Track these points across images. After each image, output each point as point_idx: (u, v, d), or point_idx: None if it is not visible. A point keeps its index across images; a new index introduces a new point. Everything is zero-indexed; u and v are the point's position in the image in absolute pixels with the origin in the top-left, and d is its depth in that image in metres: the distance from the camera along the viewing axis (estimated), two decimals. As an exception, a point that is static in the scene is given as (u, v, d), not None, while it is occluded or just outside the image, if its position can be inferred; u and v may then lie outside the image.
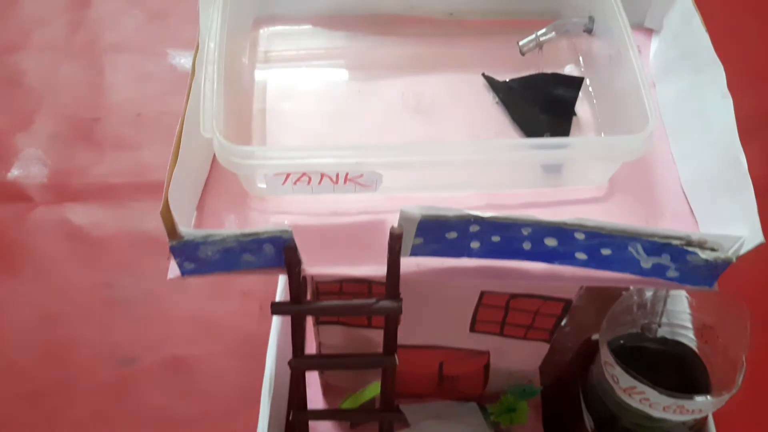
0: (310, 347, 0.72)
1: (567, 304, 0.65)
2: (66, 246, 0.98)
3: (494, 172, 0.59)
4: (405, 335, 0.69)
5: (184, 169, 0.53)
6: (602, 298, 0.78)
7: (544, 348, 0.73)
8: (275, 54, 0.68)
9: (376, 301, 0.54)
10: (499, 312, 0.67)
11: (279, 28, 0.69)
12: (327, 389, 0.85)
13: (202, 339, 0.91)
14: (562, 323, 0.68)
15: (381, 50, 0.68)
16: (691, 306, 0.73)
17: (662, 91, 0.64)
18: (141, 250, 0.98)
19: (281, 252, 0.53)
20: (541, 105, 0.64)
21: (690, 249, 0.51)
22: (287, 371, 0.66)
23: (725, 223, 0.53)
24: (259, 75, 0.66)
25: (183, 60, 1.16)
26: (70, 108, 1.08)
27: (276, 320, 0.80)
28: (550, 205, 0.59)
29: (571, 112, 0.63)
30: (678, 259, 0.52)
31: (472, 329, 0.70)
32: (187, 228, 0.50)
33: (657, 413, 0.67)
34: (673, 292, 0.75)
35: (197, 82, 0.56)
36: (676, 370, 0.75)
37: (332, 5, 0.70)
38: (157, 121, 1.08)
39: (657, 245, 0.51)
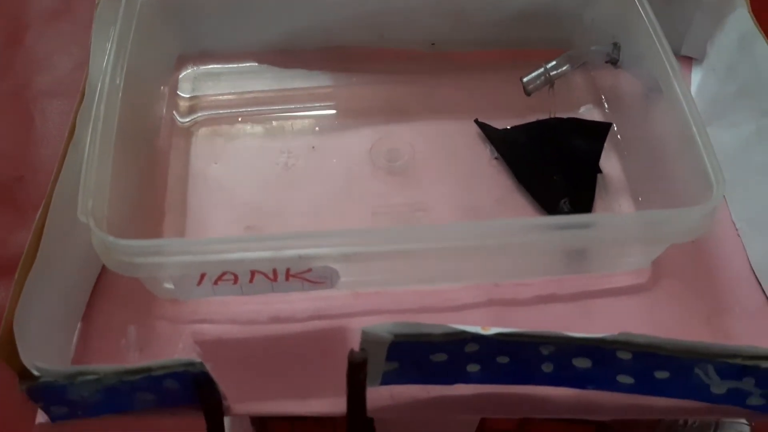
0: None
1: (599, 427, 0.48)
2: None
3: (498, 259, 0.42)
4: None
5: (52, 271, 0.37)
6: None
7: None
8: (205, 100, 0.53)
9: (332, 456, 0.38)
10: (507, 437, 0.50)
11: (211, 67, 0.54)
12: None
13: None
14: None
15: (343, 93, 0.53)
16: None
17: (714, 138, 0.48)
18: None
19: (191, 387, 0.36)
20: (555, 160, 0.49)
21: (787, 372, 0.35)
22: None
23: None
24: (181, 128, 0.50)
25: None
26: (-12, 165, 0.93)
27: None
28: (574, 298, 0.44)
29: (594, 169, 0.48)
30: (767, 384, 0.36)
31: (472, 456, 0.53)
32: (45, 364, 0.34)
33: None
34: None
35: (77, 146, 0.40)
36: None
37: (281, 37, 0.55)
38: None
39: (737, 367, 0.37)
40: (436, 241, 0.38)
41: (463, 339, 0.36)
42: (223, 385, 0.37)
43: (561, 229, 0.39)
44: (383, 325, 0.34)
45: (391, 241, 0.37)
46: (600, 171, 0.48)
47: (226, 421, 0.54)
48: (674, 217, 0.39)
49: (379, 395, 0.39)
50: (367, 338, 0.35)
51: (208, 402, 0.37)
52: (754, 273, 0.44)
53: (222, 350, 0.41)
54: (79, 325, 0.41)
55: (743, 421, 0.57)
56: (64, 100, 1.06)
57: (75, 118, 0.42)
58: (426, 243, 0.38)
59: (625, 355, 0.36)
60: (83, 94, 0.43)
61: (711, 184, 0.39)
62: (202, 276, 0.39)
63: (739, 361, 0.36)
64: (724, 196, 0.47)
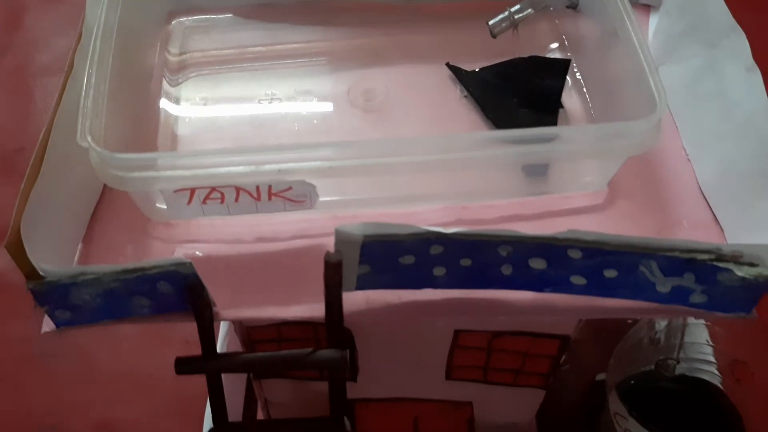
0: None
1: (564, 341, 0.52)
2: (-21, 295, 0.84)
3: (464, 179, 0.47)
4: (368, 387, 0.57)
5: (54, 189, 0.41)
6: (607, 329, 0.65)
7: (539, 395, 0.60)
8: (193, 48, 0.56)
9: (312, 352, 0.41)
10: (479, 355, 0.54)
11: (198, 18, 0.58)
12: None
13: (135, 398, 0.78)
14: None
15: (323, 44, 0.57)
16: (714, 337, 0.60)
17: (667, 74, 0.52)
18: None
19: (183, 292, 0.40)
20: (520, 97, 0.52)
21: (721, 265, 0.39)
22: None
23: (761, 231, 0.42)
24: (172, 73, 0.54)
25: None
26: (-11, 138, 0.96)
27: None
28: (536, 217, 0.48)
29: (557, 104, 0.52)
30: (706, 280, 0.40)
31: (449, 377, 0.57)
32: (49, 265, 0.37)
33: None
34: (691, 320, 0.62)
35: (75, 80, 0.44)
36: (701, 414, 0.62)
37: (265, -8, 0.58)
38: (92, 149, 0.96)
39: (677, 262, 0.40)
40: (406, 152, 0.41)
41: (427, 239, 0.39)
42: (212, 296, 0.41)
43: (521, 142, 0.43)
44: (355, 225, 0.38)
45: (365, 154, 0.41)
46: (562, 106, 0.52)
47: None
48: (627, 128, 0.43)
49: (355, 300, 0.42)
50: (341, 237, 0.38)
51: (198, 304, 0.41)
52: (701, 192, 0.48)
53: (211, 266, 0.45)
54: (80, 246, 0.45)
55: (706, 341, 0.60)
56: (62, 77, 1.09)
57: (73, 56, 0.46)
58: (397, 156, 0.41)
59: (575, 254, 0.40)
60: (80, 36, 0.47)
61: (655, 101, 0.43)
62: (192, 193, 0.42)
63: (677, 254, 0.39)
64: (676, 125, 0.51)
